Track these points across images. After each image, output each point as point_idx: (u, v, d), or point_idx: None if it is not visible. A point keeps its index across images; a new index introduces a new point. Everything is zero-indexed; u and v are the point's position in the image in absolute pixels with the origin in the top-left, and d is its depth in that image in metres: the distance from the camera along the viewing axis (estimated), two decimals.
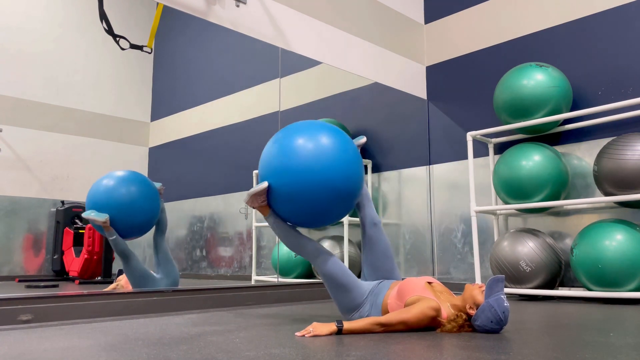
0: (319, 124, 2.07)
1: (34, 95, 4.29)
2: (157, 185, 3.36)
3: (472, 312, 1.80)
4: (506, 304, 1.75)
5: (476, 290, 1.81)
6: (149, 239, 3.45)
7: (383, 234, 2.20)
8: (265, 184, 2.00)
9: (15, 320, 2.11)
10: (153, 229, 3.36)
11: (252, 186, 4.59)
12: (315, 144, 1.97)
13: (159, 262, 3.27)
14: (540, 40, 3.80)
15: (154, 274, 3.22)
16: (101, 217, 3.03)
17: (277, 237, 4.54)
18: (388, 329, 1.81)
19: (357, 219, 4.35)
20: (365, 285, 2.06)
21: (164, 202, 3.47)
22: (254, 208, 2.09)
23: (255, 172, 4.62)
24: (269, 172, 2.02)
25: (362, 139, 2.33)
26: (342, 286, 2.02)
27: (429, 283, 1.95)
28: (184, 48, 5.21)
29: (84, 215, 3.07)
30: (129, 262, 3.07)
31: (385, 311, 1.95)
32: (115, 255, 3.97)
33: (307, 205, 1.97)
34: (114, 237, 3.04)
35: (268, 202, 2.07)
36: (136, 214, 3.14)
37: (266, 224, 4.58)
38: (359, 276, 2.26)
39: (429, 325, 1.83)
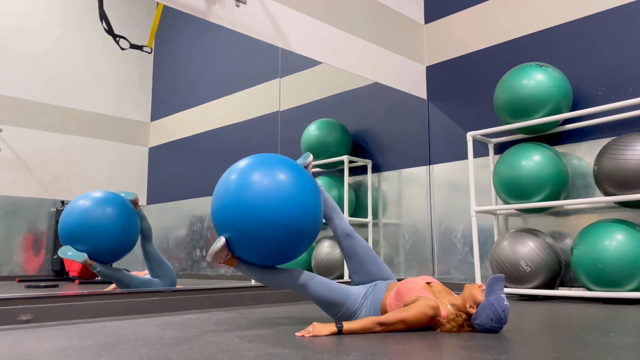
0: (264, 162, 1.96)
1: (34, 95, 4.29)
2: (131, 196, 3.25)
3: (472, 310, 1.80)
4: (506, 302, 1.75)
5: (476, 290, 1.81)
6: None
7: (359, 240, 2.13)
8: (222, 241, 1.93)
9: (15, 320, 2.11)
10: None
11: None
12: (264, 184, 1.88)
13: (152, 267, 3.25)
14: (540, 40, 3.80)
15: (152, 279, 3.23)
16: (80, 258, 2.97)
17: None
18: (388, 328, 1.81)
19: (357, 219, 4.36)
20: (357, 291, 2.03)
21: (165, 202, 3.46)
22: (220, 264, 2.01)
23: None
24: (223, 225, 1.94)
25: (309, 158, 2.22)
26: (334, 303, 1.99)
27: (428, 283, 1.95)
28: (184, 48, 5.21)
29: (61, 255, 2.99)
30: (122, 282, 3.08)
31: (384, 312, 1.95)
32: None
33: (269, 246, 1.89)
34: (98, 269, 3.03)
35: (232, 254, 2.00)
36: (114, 239, 3.06)
37: None
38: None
39: (429, 324, 1.83)
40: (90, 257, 3.01)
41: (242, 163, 1.99)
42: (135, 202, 3.27)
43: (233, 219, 1.90)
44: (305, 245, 2.00)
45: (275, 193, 1.87)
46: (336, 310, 2.00)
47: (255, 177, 1.90)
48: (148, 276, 3.27)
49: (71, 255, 2.98)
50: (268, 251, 1.92)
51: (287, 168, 1.96)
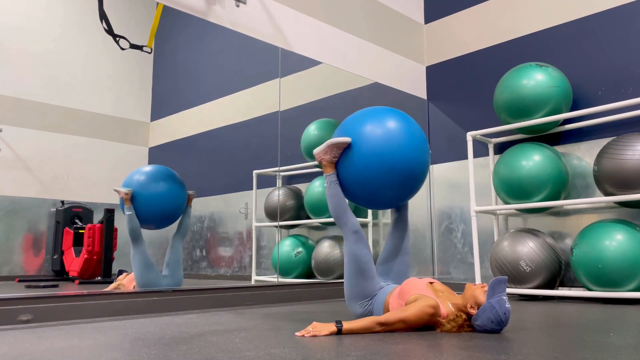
0: (402, 115, 2.16)
1: (34, 95, 4.29)
2: (190, 191, 3.50)
3: (473, 311, 1.80)
4: (508, 305, 1.75)
5: (478, 290, 1.81)
6: (151, 237, 3.46)
7: (409, 236, 2.24)
8: (348, 139, 2.02)
9: (15, 320, 2.11)
10: (172, 229, 3.47)
11: (251, 187, 4.60)
12: (401, 130, 2.03)
13: (169, 261, 3.32)
14: (540, 40, 3.80)
15: (160, 271, 3.25)
16: (125, 189, 3.18)
17: (277, 237, 4.54)
18: (387, 328, 1.81)
19: (357, 219, 4.35)
20: (379, 282, 2.08)
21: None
22: (321, 160, 2.09)
23: (255, 172, 4.62)
24: (357, 132, 2.03)
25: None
26: (362, 273, 2.02)
27: (430, 283, 1.96)
28: (184, 48, 5.21)
29: (113, 188, 3.25)
30: (137, 245, 3.14)
31: (386, 310, 1.97)
32: (116, 255, 3.97)
33: (376, 181, 2.00)
34: (131, 212, 3.15)
35: (337, 162, 2.09)
36: (158, 205, 3.25)
37: (266, 223, 4.58)
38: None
39: (428, 323, 1.83)
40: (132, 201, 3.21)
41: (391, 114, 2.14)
42: (190, 198, 3.46)
43: (375, 137, 2.00)
44: (400, 195, 2.10)
45: (417, 148, 2.05)
46: (357, 281, 2.03)
47: (414, 129, 2.09)
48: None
49: (120, 187, 3.22)
50: (371, 183, 2.02)
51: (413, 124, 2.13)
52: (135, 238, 3.14)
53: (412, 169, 2.03)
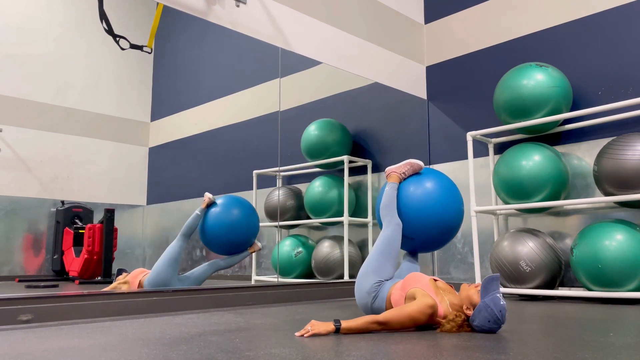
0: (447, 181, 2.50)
1: (34, 95, 4.29)
2: (259, 244, 3.61)
3: (469, 312, 1.80)
4: (502, 302, 1.75)
5: (472, 290, 1.81)
6: (149, 239, 3.45)
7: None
8: (422, 165, 2.44)
9: (15, 320, 2.11)
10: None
11: (251, 187, 4.60)
12: (451, 199, 2.42)
13: (200, 272, 3.39)
14: (540, 40, 3.80)
15: (178, 274, 3.31)
16: (211, 197, 3.40)
17: (277, 237, 4.54)
18: (386, 327, 1.81)
19: (357, 219, 4.36)
20: (393, 272, 2.24)
21: (166, 202, 3.60)
22: (392, 172, 2.41)
23: (255, 172, 4.62)
24: (430, 180, 2.40)
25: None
26: (389, 253, 2.22)
27: (434, 280, 1.98)
28: (184, 48, 5.21)
29: (208, 194, 3.43)
30: (180, 240, 3.27)
31: (388, 301, 2.04)
32: (116, 255, 3.97)
33: (415, 221, 2.36)
34: (199, 213, 3.32)
35: (402, 181, 2.41)
36: (227, 233, 3.39)
37: (266, 223, 4.59)
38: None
39: (427, 322, 1.84)
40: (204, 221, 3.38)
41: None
42: (253, 248, 3.58)
43: (438, 191, 2.39)
44: (419, 244, 2.46)
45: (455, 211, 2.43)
46: (380, 260, 2.19)
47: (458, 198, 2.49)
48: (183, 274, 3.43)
49: (210, 195, 3.41)
50: (420, 218, 2.35)
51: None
52: (185, 234, 3.30)
53: (442, 233, 2.40)
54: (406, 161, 2.43)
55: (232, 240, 3.41)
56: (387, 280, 2.16)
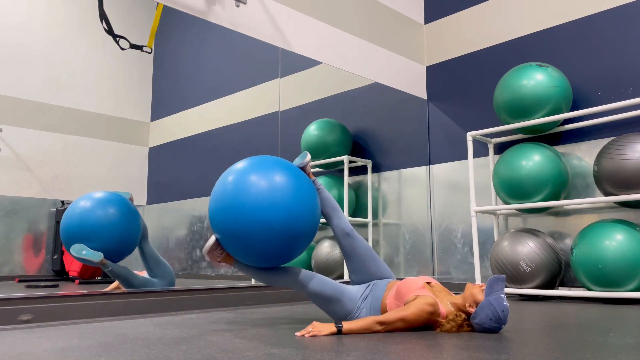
0: (261, 164, 1.97)
1: (34, 95, 4.29)
2: (126, 195, 3.26)
3: (472, 310, 1.80)
4: (506, 303, 1.75)
5: (476, 289, 1.81)
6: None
7: (358, 240, 2.11)
8: (212, 239, 1.98)
9: (15, 320, 2.11)
10: None
11: None
12: (259, 188, 1.88)
13: (150, 267, 3.22)
14: (540, 40, 3.80)
15: (152, 279, 3.21)
16: (97, 258, 2.90)
17: None
18: (387, 327, 1.81)
19: (357, 219, 4.36)
20: (355, 290, 2.03)
21: (165, 202, 3.46)
22: (218, 262, 2.04)
23: None
24: (216, 225, 1.97)
25: (306, 157, 2.17)
26: (331, 298, 1.99)
27: (428, 283, 1.95)
28: (184, 48, 5.21)
29: (74, 254, 2.91)
30: (128, 281, 3.04)
31: (384, 312, 1.95)
32: None
33: (262, 248, 1.89)
34: (110, 268, 2.97)
35: (227, 253, 2.03)
36: (120, 235, 3.03)
37: None
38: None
39: (428, 321, 1.83)
40: None
41: (239, 165, 2.00)
42: (131, 200, 3.27)
43: (225, 220, 1.91)
44: (299, 248, 1.99)
45: (268, 197, 1.87)
46: (334, 306, 2.00)
47: (251, 179, 1.90)
48: (146, 276, 3.26)
49: (87, 254, 2.89)
50: (261, 252, 1.91)
51: (283, 170, 1.95)
52: (126, 279, 3.02)
53: (278, 219, 1.86)
54: (204, 252, 2.00)
55: (133, 230, 3.11)
56: (360, 300, 1.99)
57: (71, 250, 2.94)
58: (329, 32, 3.64)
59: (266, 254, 1.92)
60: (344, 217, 2.17)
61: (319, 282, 2.00)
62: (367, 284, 2.06)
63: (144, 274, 3.36)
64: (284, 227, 1.87)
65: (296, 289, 2.03)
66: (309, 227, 1.96)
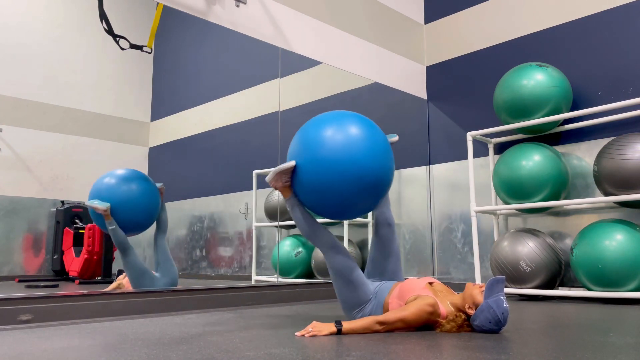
0: (349, 115, 2.06)
1: (34, 95, 4.28)
2: (159, 185, 3.40)
3: (471, 311, 1.80)
4: (505, 305, 1.75)
5: (476, 290, 1.81)
6: (149, 238, 3.45)
7: (395, 235, 2.17)
8: (292, 163, 1.97)
9: (15, 320, 2.11)
10: (154, 228, 3.37)
11: (251, 187, 4.60)
12: (345, 134, 1.94)
13: (159, 260, 3.28)
14: (540, 40, 3.80)
15: (153, 272, 3.22)
16: (103, 205, 3.07)
17: (277, 237, 4.54)
18: (387, 327, 1.81)
19: (357, 219, 4.36)
20: (372, 286, 2.05)
21: (165, 202, 3.48)
22: (275, 188, 2.05)
23: (255, 172, 4.62)
24: (298, 155, 1.99)
25: (394, 138, 2.35)
26: (350, 283, 2.00)
27: (430, 283, 1.96)
28: (184, 48, 5.20)
29: (86, 203, 3.12)
30: (128, 256, 3.08)
31: (386, 311, 1.96)
32: (116, 255, 3.97)
33: (332, 195, 1.92)
34: (114, 226, 3.08)
35: (291, 184, 2.04)
36: (136, 208, 3.17)
37: (266, 223, 4.58)
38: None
39: (428, 321, 1.83)
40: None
41: (345, 113, 2.10)
42: (161, 191, 3.38)
43: (314, 155, 1.93)
44: (366, 202, 2.00)
45: (362, 149, 1.94)
46: (348, 292, 2.01)
47: (353, 129, 1.98)
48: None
49: (96, 203, 3.08)
50: (328, 198, 1.93)
51: (379, 133, 2.08)
52: (125, 249, 3.08)
53: (366, 175, 1.92)
54: (273, 171, 2.00)
55: (150, 208, 3.25)
56: (370, 297, 2.02)
57: (87, 202, 3.16)
58: (328, 32, 3.64)
59: (332, 198, 1.94)
60: (390, 209, 2.22)
61: (350, 263, 2.01)
62: (378, 283, 2.08)
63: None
64: (365, 177, 1.93)
65: (326, 255, 2.03)
66: (385, 182, 2.03)
